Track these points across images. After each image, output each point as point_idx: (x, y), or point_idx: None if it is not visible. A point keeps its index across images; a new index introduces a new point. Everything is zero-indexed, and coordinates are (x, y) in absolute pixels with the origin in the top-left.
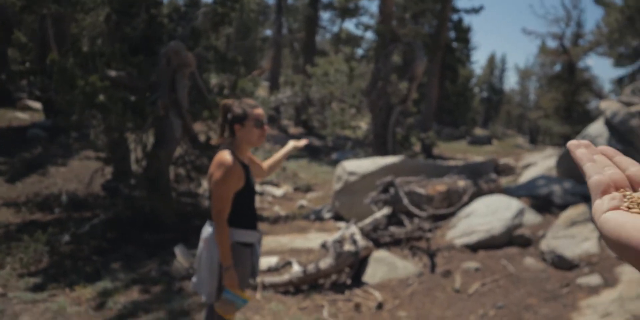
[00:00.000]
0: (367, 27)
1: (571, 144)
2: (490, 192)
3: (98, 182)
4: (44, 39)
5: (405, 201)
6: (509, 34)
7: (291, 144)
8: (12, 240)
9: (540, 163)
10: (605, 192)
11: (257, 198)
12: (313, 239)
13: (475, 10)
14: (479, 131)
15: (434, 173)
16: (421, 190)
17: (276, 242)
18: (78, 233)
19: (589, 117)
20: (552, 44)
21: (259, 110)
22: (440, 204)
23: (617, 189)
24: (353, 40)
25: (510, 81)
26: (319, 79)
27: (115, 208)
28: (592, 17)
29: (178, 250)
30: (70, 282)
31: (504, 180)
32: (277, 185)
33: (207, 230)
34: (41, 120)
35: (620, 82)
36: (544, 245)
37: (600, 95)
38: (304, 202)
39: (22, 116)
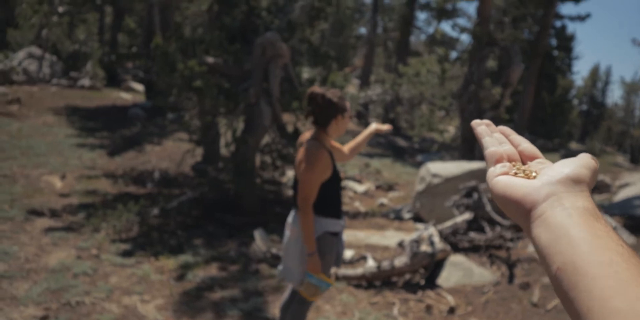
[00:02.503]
0: (463, 30)
1: (474, 122)
2: None
3: (188, 162)
4: (150, 26)
5: (489, 208)
6: (616, 44)
7: (373, 126)
8: (108, 208)
9: (639, 183)
10: (498, 161)
11: None
12: (390, 237)
13: (581, 18)
14: (574, 145)
15: None
16: None
17: (353, 236)
18: (166, 208)
19: None
20: None
21: (348, 103)
22: None
23: (509, 161)
24: (448, 42)
25: (614, 95)
26: (410, 79)
27: (202, 188)
28: None
29: (257, 234)
30: (155, 252)
31: (597, 198)
32: (359, 181)
33: (293, 219)
34: (142, 101)
35: None
36: None
37: None
38: (384, 200)
39: (125, 96)
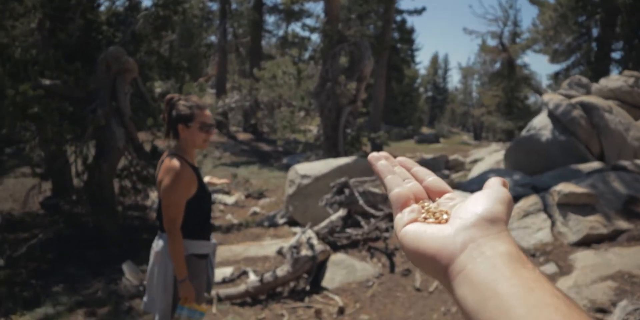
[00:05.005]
0: (313, 29)
1: (372, 156)
2: None
3: (36, 199)
4: None
5: (361, 201)
6: (450, 34)
7: None
8: None
9: (487, 158)
10: (405, 205)
11: None
12: (268, 246)
13: (418, 11)
14: (425, 130)
15: None
16: (376, 190)
17: (230, 251)
18: (14, 256)
19: (528, 112)
20: (492, 42)
21: (207, 112)
22: None
23: (417, 200)
24: (300, 43)
25: (454, 80)
26: (266, 82)
27: (56, 226)
28: (529, 15)
29: (126, 267)
30: (5, 310)
31: (454, 176)
32: (228, 193)
33: (158, 243)
34: None
35: (556, 77)
36: None
37: (538, 91)
38: (256, 208)
39: None
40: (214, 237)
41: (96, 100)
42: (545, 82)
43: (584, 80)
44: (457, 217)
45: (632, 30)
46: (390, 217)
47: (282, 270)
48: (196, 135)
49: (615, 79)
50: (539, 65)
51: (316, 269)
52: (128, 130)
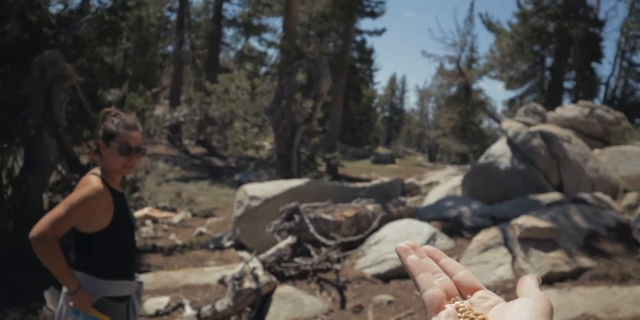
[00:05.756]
0: (270, 44)
1: (400, 248)
2: (400, 215)
3: None
4: None
5: (312, 229)
6: (409, 56)
7: None
8: None
9: (443, 182)
10: (439, 308)
11: (151, 226)
12: (210, 273)
13: (378, 32)
14: (381, 150)
15: (341, 196)
16: (328, 217)
17: (168, 278)
18: None
19: (483, 136)
20: (449, 66)
21: (134, 134)
22: (349, 230)
23: (449, 297)
24: (257, 58)
25: (411, 101)
26: (219, 96)
27: None
28: (486, 42)
29: (48, 295)
30: None
31: (409, 200)
32: (174, 210)
33: None
34: None
35: (511, 103)
36: None
37: (493, 116)
38: (203, 229)
39: None
40: (154, 260)
41: (27, 107)
42: (500, 107)
43: (539, 108)
44: None
45: (584, 62)
46: (342, 246)
47: (222, 304)
48: (115, 157)
49: (571, 109)
50: (493, 90)
51: (260, 302)
52: (62, 141)
